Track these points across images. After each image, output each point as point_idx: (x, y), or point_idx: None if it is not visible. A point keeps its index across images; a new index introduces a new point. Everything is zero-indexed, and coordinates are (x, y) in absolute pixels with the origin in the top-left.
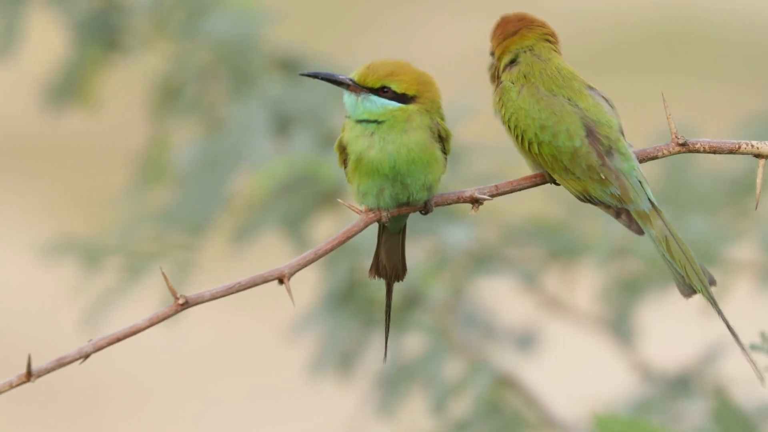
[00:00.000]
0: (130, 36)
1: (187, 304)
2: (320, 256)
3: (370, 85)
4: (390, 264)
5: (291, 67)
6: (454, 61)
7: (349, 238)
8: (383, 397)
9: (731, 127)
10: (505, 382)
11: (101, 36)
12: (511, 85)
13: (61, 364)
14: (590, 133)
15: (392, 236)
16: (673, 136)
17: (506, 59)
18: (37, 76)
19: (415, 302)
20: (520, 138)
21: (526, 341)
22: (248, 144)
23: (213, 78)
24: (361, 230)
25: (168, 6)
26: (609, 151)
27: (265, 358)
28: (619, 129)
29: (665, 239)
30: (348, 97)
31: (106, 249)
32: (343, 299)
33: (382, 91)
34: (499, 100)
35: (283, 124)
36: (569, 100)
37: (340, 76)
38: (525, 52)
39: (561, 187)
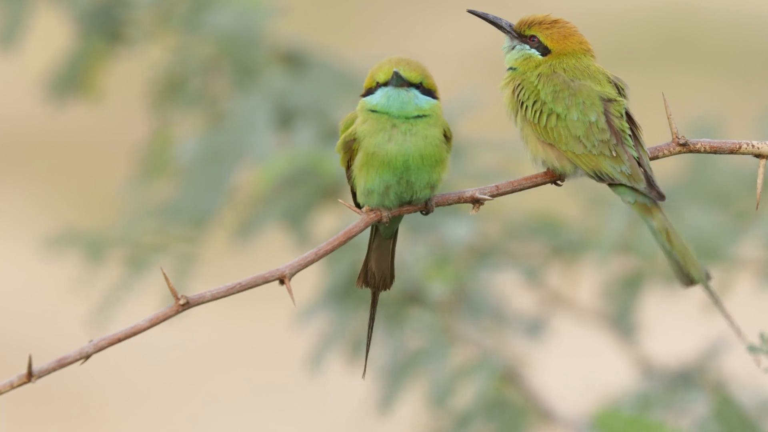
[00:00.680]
0: (134, 28)
1: (188, 305)
2: (321, 257)
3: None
4: (379, 271)
5: (294, 61)
6: (454, 61)
7: (350, 238)
8: (384, 392)
9: (751, 125)
10: (507, 378)
11: (105, 28)
12: (535, 74)
13: (62, 364)
14: (607, 112)
15: (384, 242)
16: (674, 136)
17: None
18: (39, 72)
19: (415, 298)
20: (533, 112)
21: (535, 327)
22: (251, 137)
23: (216, 71)
24: (361, 230)
25: None
26: (622, 134)
27: (265, 355)
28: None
29: (665, 230)
30: (394, 91)
31: (109, 241)
32: (345, 294)
33: (421, 87)
34: (512, 81)
35: (285, 118)
36: (590, 83)
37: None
38: (569, 57)
39: (562, 187)
